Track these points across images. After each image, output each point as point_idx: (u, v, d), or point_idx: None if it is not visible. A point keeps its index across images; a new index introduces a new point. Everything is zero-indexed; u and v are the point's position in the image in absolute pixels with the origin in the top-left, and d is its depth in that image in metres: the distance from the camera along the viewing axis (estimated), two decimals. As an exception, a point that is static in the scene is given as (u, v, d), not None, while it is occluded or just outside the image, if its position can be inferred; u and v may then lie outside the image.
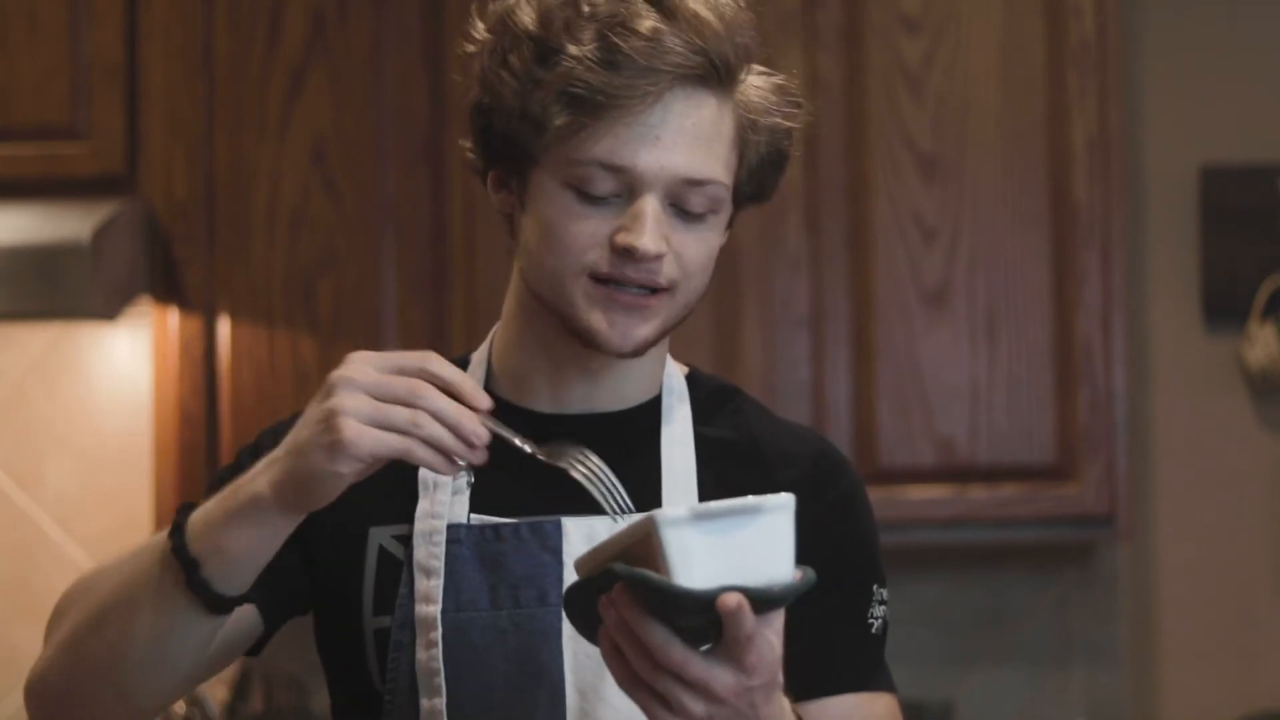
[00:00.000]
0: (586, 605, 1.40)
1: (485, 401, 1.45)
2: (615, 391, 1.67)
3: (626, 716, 1.55)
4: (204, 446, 3.26)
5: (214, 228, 3.29)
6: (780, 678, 1.40)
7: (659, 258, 1.56)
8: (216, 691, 3.49)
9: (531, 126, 1.56)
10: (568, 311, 1.59)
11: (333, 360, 3.40)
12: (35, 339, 3.61)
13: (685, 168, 1.56)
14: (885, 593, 1.70)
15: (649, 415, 1.68)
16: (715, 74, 1.57)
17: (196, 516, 1.50)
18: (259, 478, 1.46)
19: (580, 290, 1.57)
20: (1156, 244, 3.56)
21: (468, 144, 1.67)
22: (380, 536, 1.64)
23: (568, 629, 1.57)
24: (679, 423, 1.68)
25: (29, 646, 1.65)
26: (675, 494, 1.63)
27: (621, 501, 1.50)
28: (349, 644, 1.64)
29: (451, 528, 1.61)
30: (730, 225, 1.65)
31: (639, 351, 1.61)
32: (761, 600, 1.34)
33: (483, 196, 1.69)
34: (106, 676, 1.54)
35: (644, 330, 1.59)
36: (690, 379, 1.73)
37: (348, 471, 1.42)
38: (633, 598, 1.35)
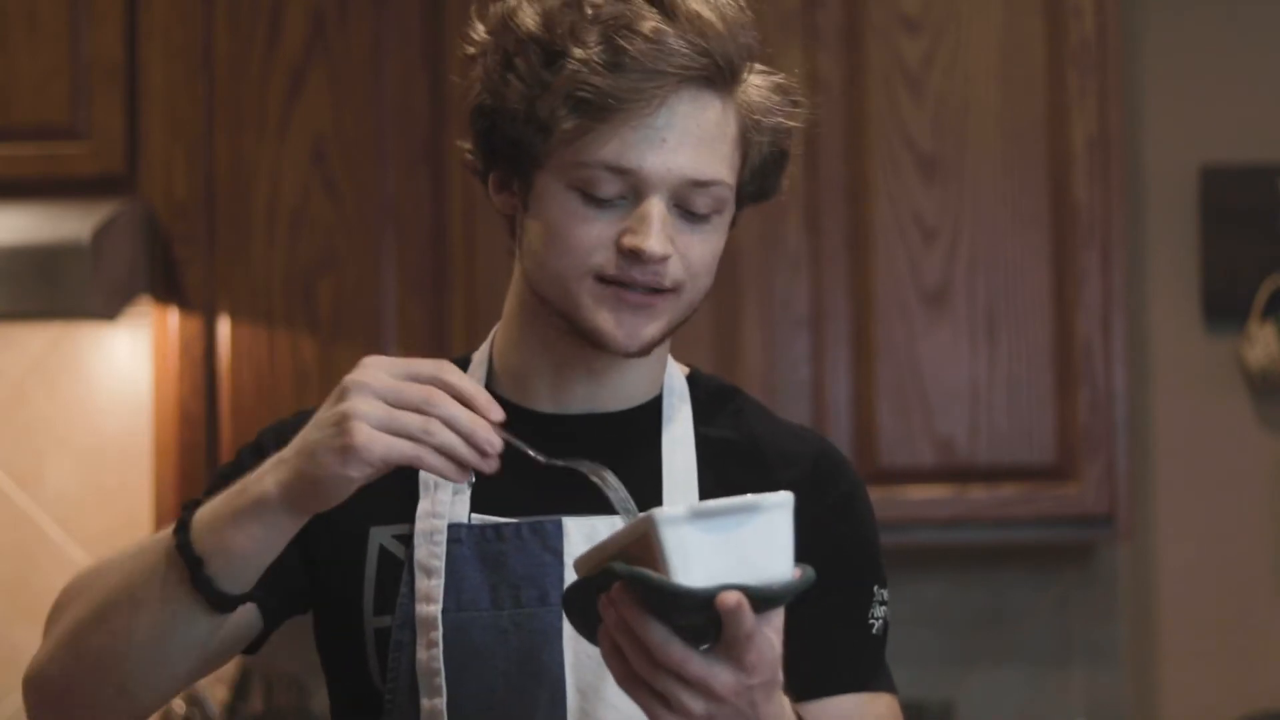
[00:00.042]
0: (586, 605, 1.40)
1: (498, 413, 1.45)
2: (617, 391, 1.67)
3: (627, 716, 1.55)
4: (204, 446, 3.26)
5: (214, 228, 3.29)
6: (780, 676, 1.40)
7: (665, 259, 1.57)
8: (216, 691, 3.50)
9: (537, 130, 1.56)
10: (574, 313, 1.59)
11: (333, 360, 3.43)
12: (35, 339, 3.61)
13: (691, 169, 1.56)
14: (886, 593, 1.70)
15: (650, 415, 1.68)
16: (719, 75, 1.57)
17: (201, 514, 1.50)
18: (266, 478, 1.46)
19: (586, 291, 1.58)
20: (1156, 244, 3.56)
21: (467, 145, 1.67)
22: (381, 536, 1.64)
23: (568, 629, 1.57)
24: (680, 423, 1.68)
25: (29, 646, 1.64)
26: (676, 494, 1.63)
27: (634, 509, 1.50)
28: (349, 644, 1.64)
29: (452, 527, 1.61)
30: (733, 225, 1.65)
31: (645, 350, 1.61)
32: (761, 598, 1.34)
33: (483, 196, 1.69)
34: (107, 672, 1.54)
35: (651, 329, 1.59)
36: (691, 379, 1.73)
37: (358, 476, 1.43)
38: (632, 597, 1.35)
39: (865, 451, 3.21)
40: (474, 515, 1.62)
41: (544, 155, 1.57)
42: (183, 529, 1.49)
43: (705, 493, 1.63)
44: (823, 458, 1.71)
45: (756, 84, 1.62)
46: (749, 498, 1.35)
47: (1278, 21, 3.59)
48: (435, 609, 1.59)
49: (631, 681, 1.38)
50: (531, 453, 1.49)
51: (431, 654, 1.59)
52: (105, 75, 3.30)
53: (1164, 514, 3.55)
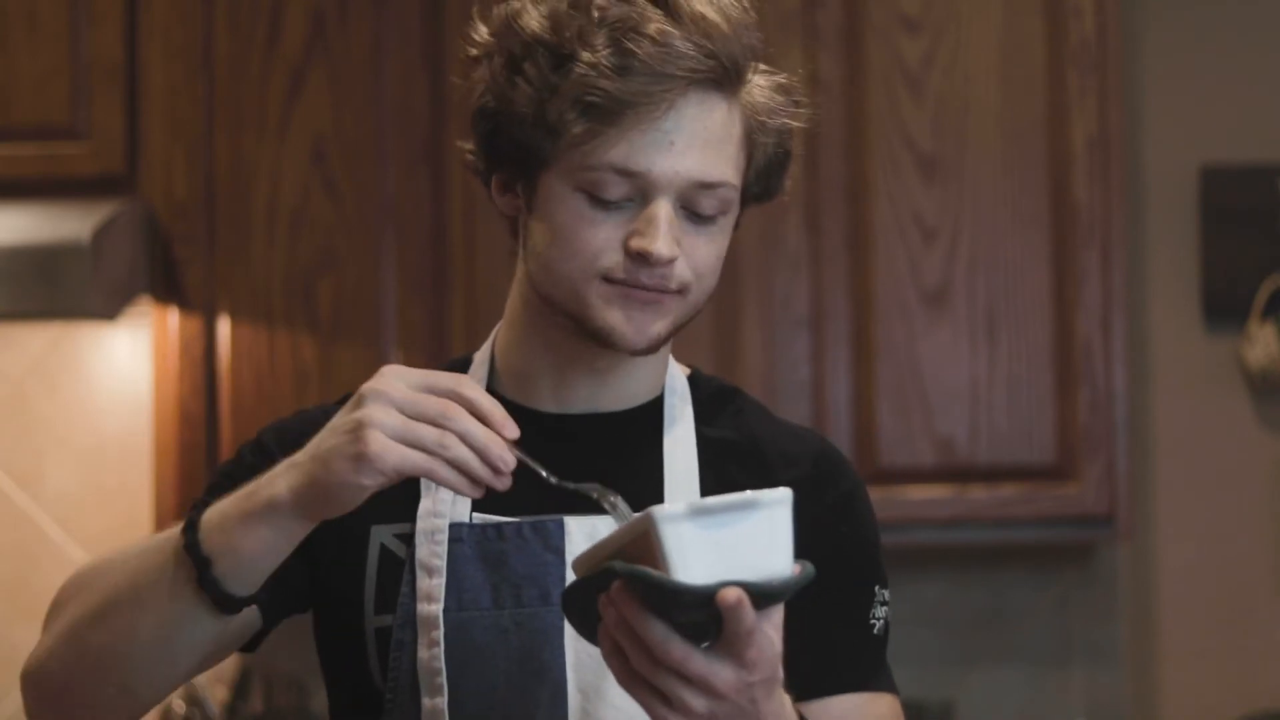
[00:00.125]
0: (586, 604, 1.40)
1: (513, 430, 1.45)
2: (619, 391, 1.68)
3: (628, 716, 1.55)
4: (204, 446, 3.26)
5: (214, 228, 3.29)
6: (780, 673, 1.40)
7: (672, 261, 1.57)
8: (216, 691, 3.50)
9: (545, 133, 1.56)
10: (582, 313, 1.59)
11: (333, 360, 3.43)
12: (35, 339, 3.61)
13: (698, 171, 1.57)
14: (886, 593, 1.70)
15: (652, 415, 1.68)
16: (726, 76, 1.57)
17: (210, 515, 1.50)
18: (278, 481, 1.47)
19: (595, 292, 1.58)
20: (1156, 244, 3.56)
21: (469, 146, 1.66)
22: (382, 535, 1.64)
23: (570, 628, 1.57)
24: (682, 423, 1.68)
25: (29, 646, 1.64)
26: (677, 494, 1.64)
27: None
28: (350, 643, 1.64)
29: (454, 526, 1.61)
30: (736, 225, 1.66)
31: (653, 348, 1.61)
32: (761, 595, 1.34)
33: (483, 197, 1.68)
34: (108, 670, 1.54)
35: (659, 326, 1.60)
36: (692, 380, 1.73)
37: (370, 484, 1.43)
38: (632, 595, 1.35)
39: (865, 451, 3.21)
40: (475, 514, 1.62)
41: (551, 158, 1.57)
42: (191, 529, 1.49)
43: (706, 492, 1.63)
44: (823, 458, 1.72)
45: (760, 85, 1.62)
46: (748, 494, 1.36)
47: (1278, 21, 3.59)
48: (437, 608, 1.59)
49: (632, 680, 1.39)
50: (544, 473, 1.49)
51: (433, 653, 1.59)
52: (105, 75, 3.30)
53: (1164, 514, 3.55)
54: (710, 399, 1.73)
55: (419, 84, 3.28)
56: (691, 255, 1.59)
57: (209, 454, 3.26)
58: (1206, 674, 3.53)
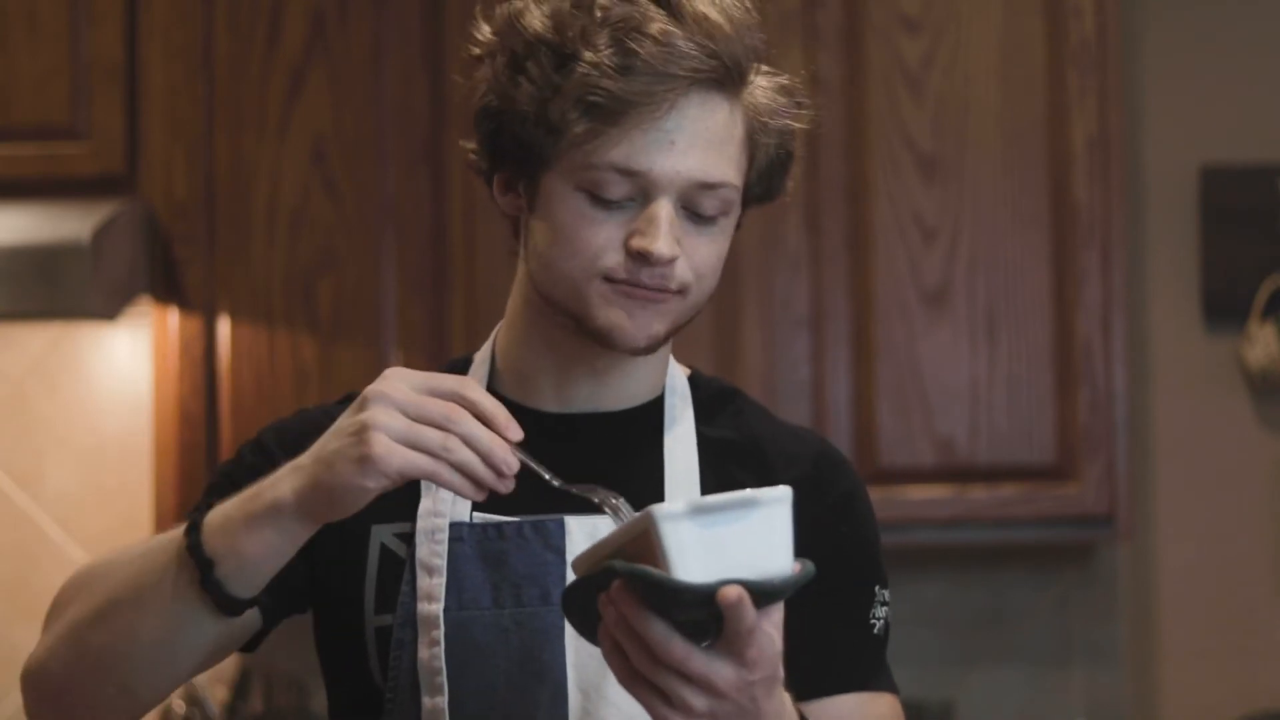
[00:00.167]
0: (585, 604, 1.40)
1: (517, 432, 1.45)
2: (620, 391, 1.68)
3: (629, 715, 1.55)
4: (204, 446, 3.26)
5: (214, 228, 3.29)
6: (780, 672, 1.40)
7: (673, 261, 1.57)
8: (216, 691, 3.49)
9: (546, 132, 1.56)
10: (583, 312, 1.59)
11: (333, 360, 3.43)
12: (35, 339, 3.61)
13: (699, 171, 1.57)
14: (887, 593, 1.70)
15: (652, 415, 1.68)
16: (728, 77, 1.58)
17: (213, 517, 1.50)
18: (282, 483, 1.47)
19: (595, 292, 1.58)
20: (1156, 244, 3.56)
21: (471, 146, 1.67)
22: (382, 534, 1.64)
23: (570, 628, 1.57)
24: (682, 423, 1.68)
25: (29, 646, 1.64)
26: (678, 493, 1.64)
27: None
28: (350, 642, 1.64)
29: (454, 525, 1.61)
30: (737, 226, 1.66)
31: (652, 348, 1.62)
32: (761, 593, 1.34)
33: (483, 197, 1.69)
34: (109, 670, 1.54)
35: (659, 326, 1.60)
36: (692, 381, 1.74)
37: (374, 486, 1.43)
38: (632, 594, 1.35)
39: (865, 451, 3.21)
40: (476, 514, 1.62)
41: (552, 157, 1.57)
42: (194, 530, 1.49)
43: (707, 492, 1.63)
44: (823, 458, 1.72)
45: (763, 85, 1.62)
46: (747, 492, 1.35)
47: (1278, 21, 3.59)
48: (437, 607, 1.59)
49: (633, 679, 1.38)
50: (547, 475, 1.49)
51: (433, 652, 1.59)
52: (105, 75, 3.30)
53: (1164, 514, 3.55)
54: (710, 399, 1.73)
55: (419, 84, 3.28)
56: (692, 256, 1.59)
57: (209, 454, 3.26)
58: (1206, 674, 3.53)
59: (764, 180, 1.65)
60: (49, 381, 3.61)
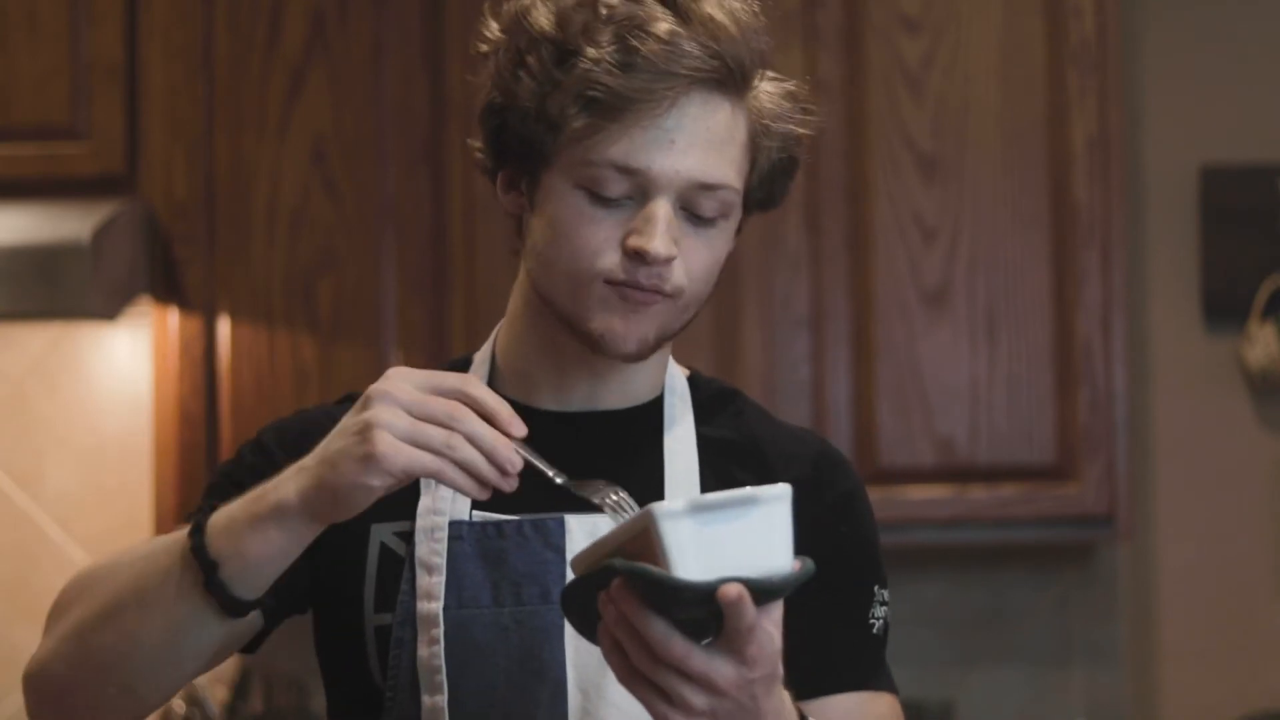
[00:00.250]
0: (585, 603, 1.40)
1: (521, 429, 1.45)
2: (620, 391, 1.68)
3: (629, 714, 1.55)
4: (204, 446, 3.26)
5: (214, 228, 3.29)
6: (780, 670, 1.40)
7: (669, 261, 1.57)
8: (216, 691, 3.50)
9: (546, 128, 1.56)
10: (579, 315, 1.59)
11: (333, 360, 3.43)
12: (35, 339, 3.61)
13: (699, 172, 1.57)
14: (886, 593, 1.70)
15: (652, 415, 1.68)
16: (731, 78, 1.57)
17: (217, 518, 1.50)
18: (286, 484, 1.47)
19: (594, 294, 1.58)
20: (1156, 244, 3.56)
21: (477, 144, 1.67)
22: (382, 533, 1.64)
23: (570, 627, 1.57)
24: (682, 423, 1.68)
25: (29, 646, 1.64)
26: (678, 493, 1.63)
27: None
28: (349, 641, 1.64)
29: (454, 524, 1.61)
30: (739, 231, 1.65)
31: (642, 354, 1.61)
32: (761, 591, 1.34)
33: (483, 196, 1.69)
34: (112, 672, 1.54)
35: (650, 330, 1.59)
36: (691, 381, 1.74)
37: (378, 485, 1.43)
38: (632, 592, 1.35)
39: (865, 451, 3.21)
40: (475, 512, 1.62)
41: (553, 154, 1.57)
42: (198, 531, 1.49)
43: (707, 492, 1.63)
44: (823, 458, 1.72)
45: (768, 90, 1.62)
46: (747, 490, 1.36)
47: (1278, 21, 3.59)
48: (437, 606, 1.59)
49: (632, 678, 1.38)
50: (550, 473, 1.49)
51: (433, 651, 1.59)
52: (105, 75, 3.30)
53: (1164, 514, 3.55)
54: (710, 400, 1.73)
55: (419, 84, 3.28)
56: (688, 258, 1.58)
57: (209, 454, 3.26)
58: (1206, 674, 3.53)
59: (765, 185, 1.64)
60: (49, 381, 3.61)
